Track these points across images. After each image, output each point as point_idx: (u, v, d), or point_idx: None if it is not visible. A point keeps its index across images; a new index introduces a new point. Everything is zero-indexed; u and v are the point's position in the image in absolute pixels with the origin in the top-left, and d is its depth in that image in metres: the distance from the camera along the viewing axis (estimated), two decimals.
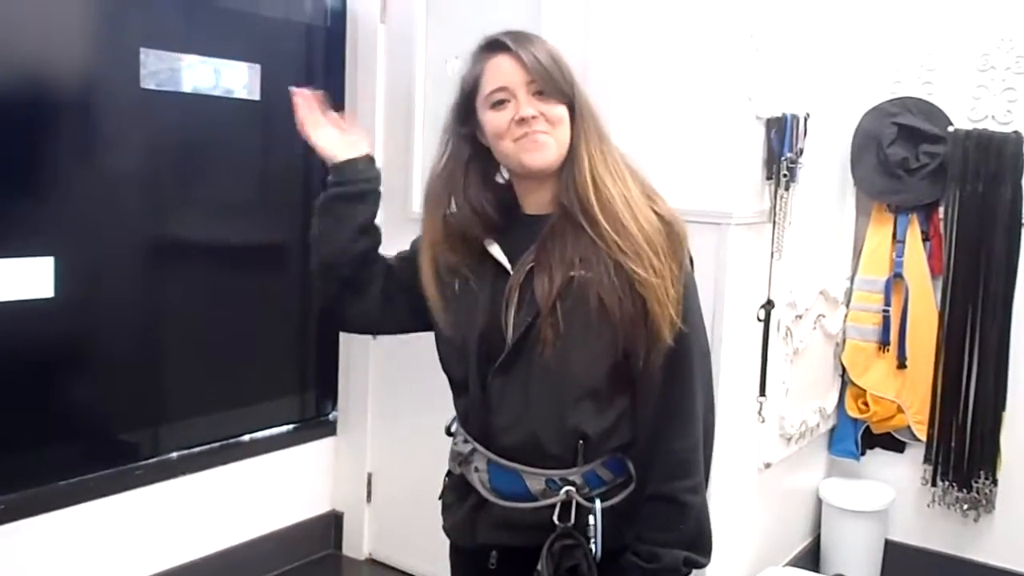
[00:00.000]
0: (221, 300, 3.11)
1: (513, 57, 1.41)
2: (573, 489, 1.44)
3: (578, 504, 1.44)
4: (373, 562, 3.38)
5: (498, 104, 1.42)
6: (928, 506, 3.20)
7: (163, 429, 2.98)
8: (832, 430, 3.37)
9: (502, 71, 1.41)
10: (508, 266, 1.44)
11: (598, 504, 1.44)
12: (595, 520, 1.43)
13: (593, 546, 1.42)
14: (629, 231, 1.37)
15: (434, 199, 1.52)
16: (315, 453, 3.42)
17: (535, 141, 1.40)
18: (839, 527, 3.27)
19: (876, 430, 3.31)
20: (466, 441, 1.53)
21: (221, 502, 3.10)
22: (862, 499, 3.24)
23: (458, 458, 1.54)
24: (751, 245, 2.59)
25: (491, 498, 1.49)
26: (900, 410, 3.22)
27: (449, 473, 1.61)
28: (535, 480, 1.45)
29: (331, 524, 3.46)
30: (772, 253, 2.63)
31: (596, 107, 1.47)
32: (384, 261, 1.62)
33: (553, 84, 1.41)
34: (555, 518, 1.43)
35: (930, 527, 3.27)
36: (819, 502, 3.35)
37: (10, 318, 2.51)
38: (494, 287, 1.45)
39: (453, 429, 1.60)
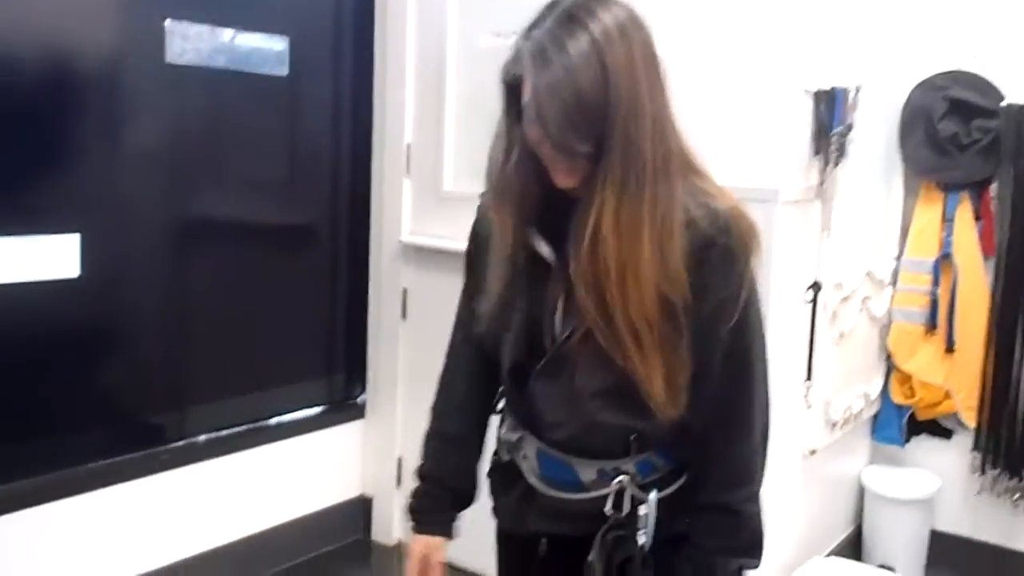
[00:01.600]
0: (248, 281, 3.05)
1: (529, 90, 1.20)
2: (627, 478, 1.36)
3: (631, 493, 1.36)
4: (403, 548, 3.32)
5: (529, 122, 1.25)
6: (976, 495, 3.10)
7: (190, 412, 2.92)
8: (876, 416, 3.26)
9: (525, 94, 1.23)
10: (551, 261, 1.31)
11: (653, 495, 1.35)
12: (648, 511, 1.35)
13: (643, 537, 1.35)
14: (611, 317, 1.22)
15: (491, 167, 1.37)
16: (343, 437, 3.35)
17: (554, 170, 1.26)
18: (882, 516, 3.17)
19: (922, 416, 3.20)
20: (514, 428, 1.45)
21: (248, 486, 3.04)
22: (906, 487, 3.14)
23: (506, 445, 1.47)
24: (797, 224, 2.49)
25: (541, 486, 1.41)
26: (947, 396, 3.11)
27: (495, 453, 1.53)
28: (587, 470, 1.38)
29: (360, 509, 3.39)
30: (821, 232, 2.52)
31: (644, 137, 1.20)
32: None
33: (562, 141, 1.20)
34: (608, 508, 1.36)
35: (978, 517, 3.17)
36: (861, 490, 3.25)
37: (37, 299, 2.46)
38: (533, 282, 1.34)
39: (500, 407, 1.52)
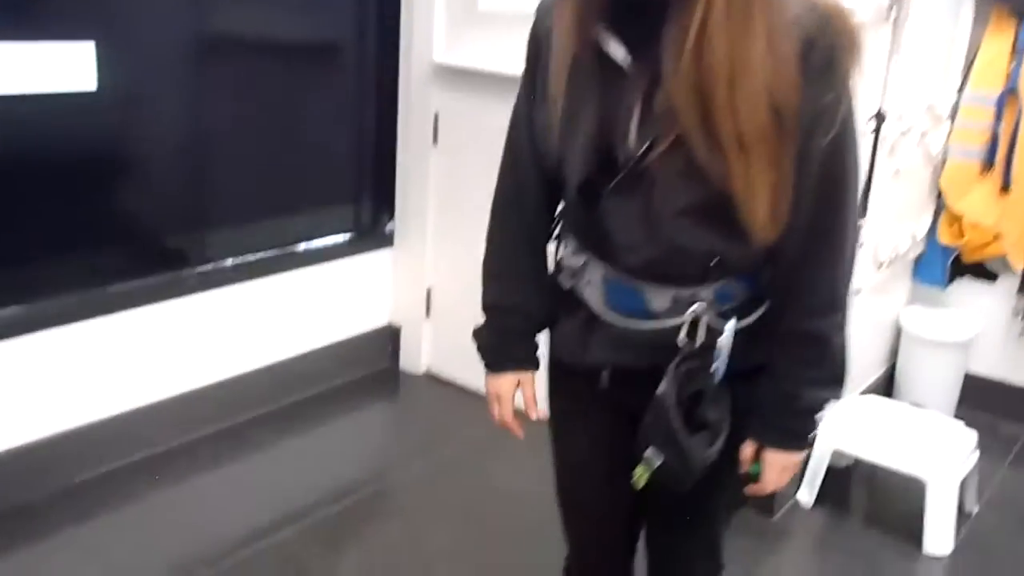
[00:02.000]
0: (271, 100, 2.91)
1: None
2: (703, 306, 1.26)
3: (707, 322, 1.27)
4: (431, 377, 3.31)
5: None
6: (1018, 338, 3.04)
7: (214, 235, 2.85)
8: (919, 256, 3.17)
9: None
10: (626, 64, 1.17)
11: (731, 324, 1.26)
12: (725, 341, 1.26)
13: (717, 368, 1.26)
14: (715, 128, 1.09)
15: None
16: (372, 265, 3.28)
17: None
18: (917, 357, 3.13)
19: (968, 258, 3.11)
20: (578, 252, 1.34)
21: (275, 313, 2.99)
22: (943, 329, 3.08)
23: (568, 271, 1.36)
24: (867, 47, 2.30)
25: (606, 315, 1.32)
26: (996, 238, 3.01)
27: (553, 279, 1.43)
28: (660, 297, 1.27)
29: (388, 338, 3.36)
30: (889, 57, 2.35)
31: None
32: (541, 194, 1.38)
33: None
34: (681, 337, 1.26)
35: (1016, 360, 3.12)
36: (898, 330, 3.19)
37: (54, 113, 2.34)
38: (603, 88, 1.20)
39: (558, 232, 1.41)
